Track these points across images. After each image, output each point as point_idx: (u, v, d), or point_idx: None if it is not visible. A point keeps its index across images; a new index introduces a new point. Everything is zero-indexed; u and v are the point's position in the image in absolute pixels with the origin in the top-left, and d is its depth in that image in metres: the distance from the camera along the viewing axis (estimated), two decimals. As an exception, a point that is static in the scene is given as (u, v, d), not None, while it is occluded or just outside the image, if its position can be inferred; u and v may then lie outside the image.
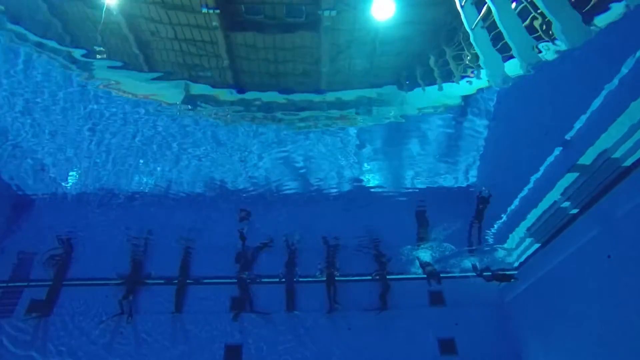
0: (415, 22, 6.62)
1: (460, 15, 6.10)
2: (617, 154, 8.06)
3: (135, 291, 13.70)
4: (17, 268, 14.02)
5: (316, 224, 12.24)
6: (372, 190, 10.54)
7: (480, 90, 7.23)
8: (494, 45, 6.38)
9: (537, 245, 12.76)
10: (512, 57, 6.45)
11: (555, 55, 6.18)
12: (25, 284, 14.18)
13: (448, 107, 7.84)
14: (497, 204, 11.05)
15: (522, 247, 13.33)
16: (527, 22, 5.92)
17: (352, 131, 8.47)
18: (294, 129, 8.37)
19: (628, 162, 8.13)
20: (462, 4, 5.96)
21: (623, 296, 8.63)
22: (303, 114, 8.02)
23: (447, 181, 10.14)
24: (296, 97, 7.65)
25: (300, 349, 13.48)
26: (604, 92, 6.71)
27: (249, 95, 7.62)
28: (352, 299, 13.83)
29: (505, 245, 12.44)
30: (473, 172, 9.87)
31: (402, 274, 14.32)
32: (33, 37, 6.47)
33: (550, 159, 8.78)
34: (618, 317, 8.84)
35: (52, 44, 6.60)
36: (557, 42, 5.97)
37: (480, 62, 6.73)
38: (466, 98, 7.48)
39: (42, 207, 10.89)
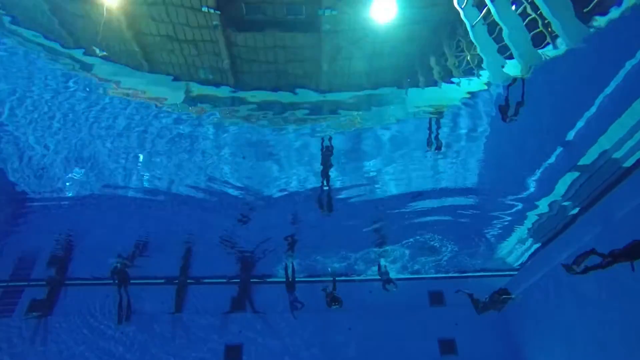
0: (415, 22, 6.61)
1: (460, 16, 6.10)
2: (617, 155, 8.06)
3: (126, 288, 13.51)
4: (17, 268, 14.02)
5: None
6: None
7: (481, 90, 7.23)
8: (495, 45, 6.38)
9: (537, 245, 12.76)
10: (512, 57, 6.45)
11: (556, 55, 6.18)
12: (25, 283, 14.18)
13: (448, 107, 7.83)
14: (496, 204, 11.05)
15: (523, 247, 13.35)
16: (527, 22, 5.92)
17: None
18: (294, 128, 8.37)
19: (628, 163, 8.13)
20: (463, 4, 5.96)
21: (623, 296, 8.63)
22: (303, 114, 8.02)
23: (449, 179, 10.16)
24: (296, 97, 7.64)
25: (301, 349, 13.47)
26: (604, 93, 6.71)
27: (249, 95, 7.61)
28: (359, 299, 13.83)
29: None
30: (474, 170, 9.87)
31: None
32: (34, 38, 6.47)
33: (551, 159, 8.78)
34: (618, 318, 8.84)
35: (52, 44, 6.59)
36: (557, 42, 5.97)
37: (481, 63, 6.73)
38: (466, 98, 7.47)
39: (42, 207, 10.89)
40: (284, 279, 14.07)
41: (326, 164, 9.12)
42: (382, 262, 14.07)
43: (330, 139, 8.63)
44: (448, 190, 10.30)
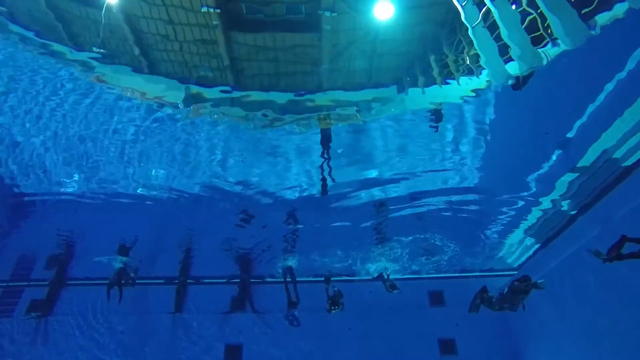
0: (415, 22, 6.62)
1: (460, 16, 6.10)
2: (617, 155, 8.07)
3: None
4: (17, 268, 14.03)
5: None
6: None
7: (481, 90, 7.23)
8: (494, 45, 6.38)
9: (537, 246, 12.77)
10: (512, 57, 6.46)
11: (556, 55, 6.19)
12: (26, 283, 14.20)
13: (448, 107, 7.83)
14: (496, 204, 11.05)
15: (521, 248, 13.34)
16: (527, 22, 5.92)
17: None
18: (294, 127, 8.37)
19: (628, 163, 8.14)
20: (463, 4, 5.96)
21: (623, 296, 8.64)
22: (302, 114, 8.02)
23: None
24: (296, 96, 7.64)
25: (301, 349, 13.47)
26: (604, 93, 6.72)
27: (249, 95, 7.61)
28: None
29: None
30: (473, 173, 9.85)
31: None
32: (34, 38, 6.48)
33: (551, 159, 8.78)
34: (618, 317, 8.84)
35: (52, 44, 6.60)
36: (557, 42, 5.97)
37: (481, 62, 6.73)
38: (466, 98, 7.47)
39: (42, 207, 10.89)
40: (284, 280, 14.08)
41: (325, 143, 8.88)
42: (384, 263, 14.06)
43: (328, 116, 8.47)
44: (449, 185, 10.24)
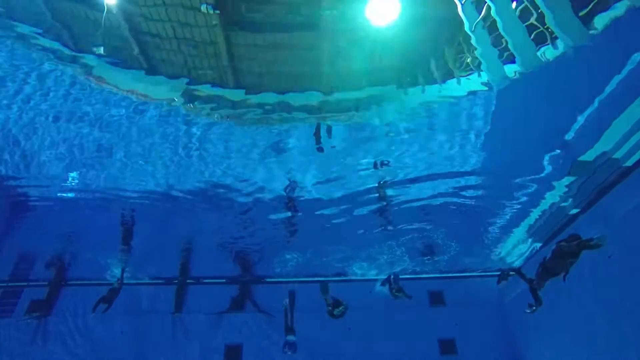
0: (415, 22, 6.61)
1: (460, 15, 6.10)
2: (617, 155, 8.06)
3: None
4: (17, 268, 14.03)
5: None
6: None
7: (481, 90, 7.23)
8: (495, 45, 6.38)
9: (537, 245, 12.77)
10: (512, 57, 6.46)
11: (556, 55, 6.19)
12: (25, 283, 14.20)
13: (448, 107, 7.83)
14: (497, 200, 11.04)
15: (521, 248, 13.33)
16: (528, 22, 5.92)
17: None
18: (293, 128, 8.38)
19: (628, 162, 8.14)
20: (463, 3, 5.96)
21: (623, 296, 8.64)
22: (302, 114, 8.02)
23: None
24: (296, 97, 7.65)
25: (300, 349, 13.45)
26: (604, 92, 6.72)
27: (249, 95, 7.61)
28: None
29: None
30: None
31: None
32: (33, 38, 6.47)
33: (551, 159, 8.78)
34: (618, 317, 8.84)
35: (51, 44, 6.59)
36: (557, 41, 5.97)
37: (481, 62, 6.73)
38: (466, 98, 7.47)
39: (42, 207, 10.89)
40: (284, 279, 14.11)
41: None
42: (383, 263, 14.06)
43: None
44: (448, 182, 10.23)
